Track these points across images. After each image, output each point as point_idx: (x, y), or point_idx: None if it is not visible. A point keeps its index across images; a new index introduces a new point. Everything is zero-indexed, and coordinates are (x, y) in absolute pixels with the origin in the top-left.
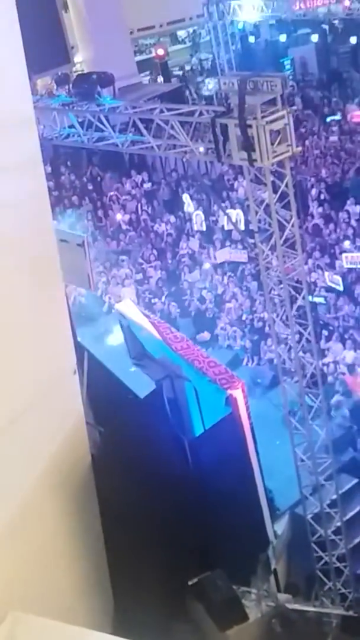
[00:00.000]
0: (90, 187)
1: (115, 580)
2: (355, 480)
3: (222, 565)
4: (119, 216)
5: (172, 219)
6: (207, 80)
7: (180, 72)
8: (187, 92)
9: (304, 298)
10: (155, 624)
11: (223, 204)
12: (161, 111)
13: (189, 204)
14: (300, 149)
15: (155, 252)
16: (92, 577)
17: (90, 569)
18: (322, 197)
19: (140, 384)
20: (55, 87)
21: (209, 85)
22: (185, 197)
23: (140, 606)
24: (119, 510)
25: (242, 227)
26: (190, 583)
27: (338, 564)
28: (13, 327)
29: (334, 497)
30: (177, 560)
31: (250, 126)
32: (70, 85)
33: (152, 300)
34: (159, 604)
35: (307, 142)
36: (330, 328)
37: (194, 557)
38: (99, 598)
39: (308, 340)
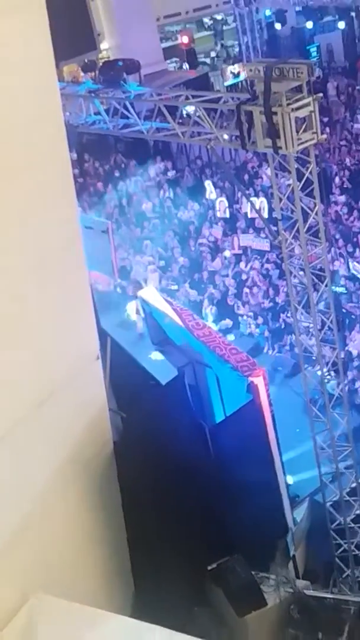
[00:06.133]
0: (116, 174)
1: (136, 565)
2: None
3: (241, 550)
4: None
5: (196, 206)
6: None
7: (207, 59)
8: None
9: (326, 286)
10: (174, 607)
11: (247, 192)
12: (186, 98)
13: (211, 191)
14: (325, 136)
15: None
16: (113, 561)
17: (111, 553)
18: (345, 185)
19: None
20: (81, 73)
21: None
22: (208, 184)
23: (160, 590)
24: (140, 496)
25: (265, 214)
26: (209, 568)
27: (357, 552)
28: (38, 314)
29: (354, 485)
30: (196, 545)
31: (275, 113)
32: (97, 72)
33: (173, 287)
34: (178, 588)
35: (332, 129)
36: (353, 317)
37: (213, 543)
38: (119, 582)
39: (330, 329)
